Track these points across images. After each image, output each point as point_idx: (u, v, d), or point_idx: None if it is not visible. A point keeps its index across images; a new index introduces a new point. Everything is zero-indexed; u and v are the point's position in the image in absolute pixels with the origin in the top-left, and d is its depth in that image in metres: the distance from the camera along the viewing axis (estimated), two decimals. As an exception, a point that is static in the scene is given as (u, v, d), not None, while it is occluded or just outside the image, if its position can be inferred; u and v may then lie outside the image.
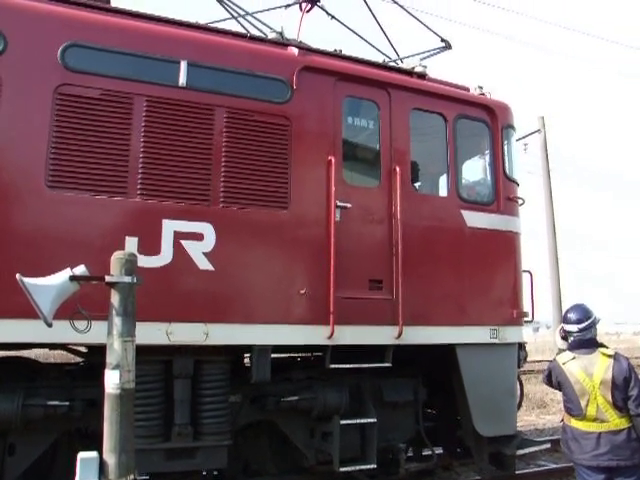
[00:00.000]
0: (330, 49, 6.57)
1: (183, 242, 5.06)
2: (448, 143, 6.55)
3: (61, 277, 3.75)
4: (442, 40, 7.74)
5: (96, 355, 5.26)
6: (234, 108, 5.45)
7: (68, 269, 3.77)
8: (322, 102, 5.89)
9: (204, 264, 5.11)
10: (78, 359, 5.98)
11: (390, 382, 6.35)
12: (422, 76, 6.78)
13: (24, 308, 4.17)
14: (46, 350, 8.01)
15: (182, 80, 5.28)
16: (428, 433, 6.64)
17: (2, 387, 4.88)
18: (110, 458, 3.57)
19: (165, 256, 4.98)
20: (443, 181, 6.83)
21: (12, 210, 4.70)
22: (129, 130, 5.06)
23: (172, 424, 5.12)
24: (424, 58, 7.61)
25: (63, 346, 5.39)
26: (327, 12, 7.92)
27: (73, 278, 3.74)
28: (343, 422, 5.73)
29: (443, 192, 6.75)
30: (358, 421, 5.90)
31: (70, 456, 5.14)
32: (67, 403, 4.95)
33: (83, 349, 5.66)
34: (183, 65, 5.31)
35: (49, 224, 4.76)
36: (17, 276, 3.60)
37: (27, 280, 3.65)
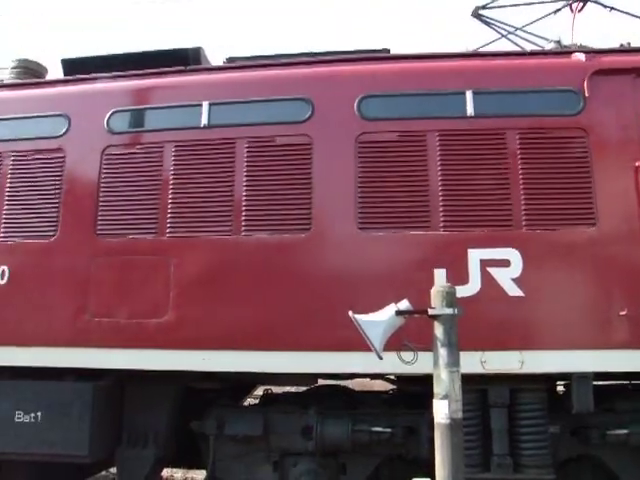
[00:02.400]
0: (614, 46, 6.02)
1: (490, 269, 5.04)
2: None
3: (388, 312, 4.02)
4: None
5: (409, 384, 5.53)
6: (525, 128, 5.32)
7: (393, 304, 4.02)
8: (620, 104, 5.36)
9: (513, 290, 5.01)
10: (388, 387, 6.32)
11: None
12: None
13: (349, 341, 4.58)
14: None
15: (470, 110, 5.36)
16: None
17: (332, 413, 5.42)
18: (442, 485, 3.66)
19: (473, 285, 5.02)
20: None
21: (332, 253, 5.25)
22: (426, 166, 5.28)
23: (490, 454, 5.06)
24: None
25: (381, 376, 5.75)
26: (604, 5, 7.35)
27: (399, 313, 3.98)
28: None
29: None
30: None
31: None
32: (389, 430, 5.25)
33: (393, 378, 5.97)
34: (469, 95, 5.39)
35: (361, 263, 5.17)
36: (349, 313, 3.95)
37: (359, 317, 3.97)
